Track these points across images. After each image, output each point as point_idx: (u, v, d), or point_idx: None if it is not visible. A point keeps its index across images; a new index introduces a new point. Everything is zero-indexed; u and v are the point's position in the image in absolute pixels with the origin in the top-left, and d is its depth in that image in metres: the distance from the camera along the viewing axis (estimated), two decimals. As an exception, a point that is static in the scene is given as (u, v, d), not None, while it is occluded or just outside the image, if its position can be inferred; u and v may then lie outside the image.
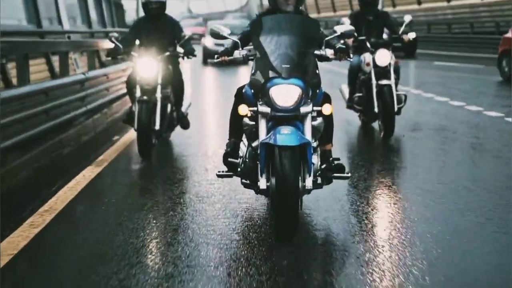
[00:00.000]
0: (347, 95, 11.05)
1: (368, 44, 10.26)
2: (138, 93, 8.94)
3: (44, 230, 5.87)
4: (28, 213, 6.34)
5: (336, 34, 6.05)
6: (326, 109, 5.59)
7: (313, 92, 5.67)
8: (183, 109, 10.05)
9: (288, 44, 5.61)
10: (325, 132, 5.88)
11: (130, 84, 9.36)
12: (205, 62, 27.87)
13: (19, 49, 9.81)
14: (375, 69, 10.16)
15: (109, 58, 9.63)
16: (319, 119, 5.72)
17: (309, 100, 5.57)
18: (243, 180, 6.06)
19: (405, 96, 10.47)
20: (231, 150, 6.19)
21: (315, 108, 5.57)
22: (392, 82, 10.12)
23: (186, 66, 25.53)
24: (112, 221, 6.16)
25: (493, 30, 29.17)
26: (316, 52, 5.84)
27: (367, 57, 10.30)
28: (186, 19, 58.35)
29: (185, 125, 10.06)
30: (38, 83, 9.85)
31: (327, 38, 6.03)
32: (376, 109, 10.14)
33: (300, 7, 6.18)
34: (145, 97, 8.85)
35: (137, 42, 9.66)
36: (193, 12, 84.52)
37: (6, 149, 7.72)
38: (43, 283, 4.83)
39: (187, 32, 9.70)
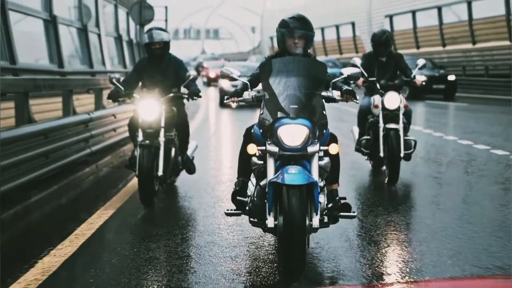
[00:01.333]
0: (356, 137, 10.87)
1: (378, 86, 10.01)
2: (140, 137, 8.58)
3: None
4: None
5: (342, 76, 6.28)
6: (333, 149, 5.74)
7: (320, 132, 5.79)
8: (189, 152, 9.75)
9: (296, 86, 5.76)
10: (331, 172, 6.02)
11: (132, 128, 8.99)
12: (222, 104, 27.24)
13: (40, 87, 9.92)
14: (383, 112, 9.89)
15: (110, 101, 9.17)
16: (326, 159, 5.88)
17: (316, 140, 5.71)
18: (251, 219, 6.11)
19: (415, 141, 10.14)
20: (240, 189, 6.29)
21: (322, 148, 5.71)
22: (400, 126, 9.83)
23: (203, 107, 26.24)
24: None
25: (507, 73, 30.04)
26: (323, 93, 5.99)
27: (376, 99, 10.09)
28: (209, 61, 59.11)
29: (191, 169, 9.66)
30: (39, 123, 9.50)
31: (334, 80, 6.15)
32: (381, 154, 9.90)
33: (309, 50, 6.29)
34: (147, 142, 8.50)
35: (140, 84, 9.35)
36: (215, 54, 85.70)
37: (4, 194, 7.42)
38: None
39: (194, 72, 9.28)
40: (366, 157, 10.82)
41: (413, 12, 38.75)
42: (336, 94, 6.14)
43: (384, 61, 10.30)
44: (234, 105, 6.42)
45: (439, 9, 36.06)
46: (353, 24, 47.90)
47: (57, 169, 9.32)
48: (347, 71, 6.32)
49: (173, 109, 9.00)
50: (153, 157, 8.45)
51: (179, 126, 9.24)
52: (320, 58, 38.60)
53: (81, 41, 17.12)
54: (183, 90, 9.12)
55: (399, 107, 9.85)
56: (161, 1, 29.99)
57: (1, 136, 7.60)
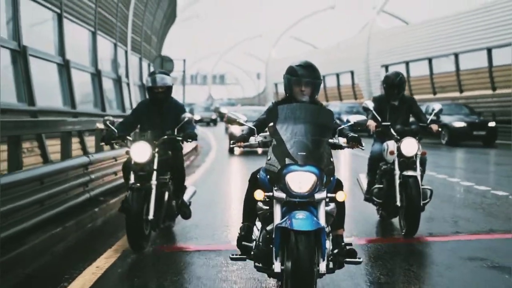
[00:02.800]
0: (365, 186, 10.16)
1: (392, 131, 9.36)
2: (131, 180, 8.38)
3: None
4: None
5: (349, 123, 6.27)
6: (340, 196, 5.67)
7: (327, 178, 5.74)
8: (186, 197, 9.43)
9: (303, 132, 5.73)
10: (337, 217, 5.96)
11: (126, 171, 8.73)
12: (231, 151, 24.74)
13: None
14: (399, 159, 9.17)
15: (103, 144, 8.96)
16: (332, 205, 5.80)
17: (323, 187, 5.65)
18: (256, 264, 6.01)
19: (431, 191, 9.41)
20: (245, 234, 6.23)
21: (329, 195, 5.64)
22: (418, 174, 9.09)
23: (212, 155, 24.59)
24: None
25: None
26: (330, 140, 5.94)
27: (390, 145, 9.36)
28: (227, 106, 60.14)
29: (186, 214, 9.31)
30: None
31: (340, 127, 6.19)
32: (398, 203, 9.10)
33: (316, 96, 6.28)
34: (138, 184, 8.26)
35: (138, 126, 9.20)
36: (232, 99, 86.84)
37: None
38: None
39: (189, 114, 9.08)
40: (377, 207, 10.11)
41: (407, 63, 41.44)
42: (342, 141, 6.15)
43: (396, 105, 9.70)
44: (238, 151, 7.00)
45: (430, 60, 38.91)
46: (352, 72, 50.27)
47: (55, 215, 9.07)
48: (353, 119, 6.30)
49: (168, 152, 8.85)
50: (143, 200, 8.16)
51: (174, 170, 9.03)
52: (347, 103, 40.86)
53: (115, 90, 20.02)
54: (178, 132, 8.88)
55: (416, 154, 9.20)
56: (174, 49, 32.71)
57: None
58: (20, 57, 11.68)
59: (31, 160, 11.12)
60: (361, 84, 49.00)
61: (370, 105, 9.45)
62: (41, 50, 12.98)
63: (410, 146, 9.17)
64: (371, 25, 48.77)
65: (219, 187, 15.09)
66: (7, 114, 10.32)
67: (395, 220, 9.69)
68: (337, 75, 52.90)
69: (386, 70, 43.92)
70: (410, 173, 9.07)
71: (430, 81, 38.90)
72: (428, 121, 9.48)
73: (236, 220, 9.63)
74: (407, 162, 9.15)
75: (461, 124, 29.18)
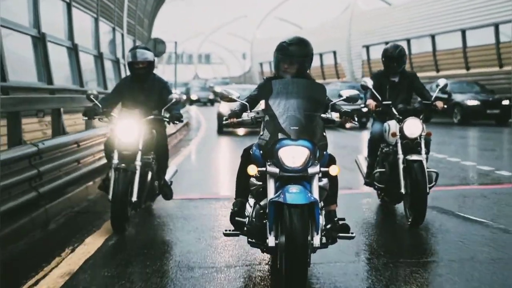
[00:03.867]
0: (365, 169, 9.56)
1: (394, 111, 8.63)
2: (115, 160, 8.03)
3: None
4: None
5: (341, 98, 6.15)
6: (333, 170, 5.67)
7: (320, 153, 5.73)
8: (167, 177, 9.24)
9: (296, 107, 5.69)
10: (330, 193, 5.95)
11: (108, 148, 8.40)
12: (219, 131, 24.88)
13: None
14: (402, 140, 8.44)
15: (86, 118, 8.61)
16: (325, 180, 5.81)
17: (316, 161, 5.64)
18: (250, 239, 6.04)
19: (437, 174, 8.66)
20: (238, 209, 6.18)
21: (322, 169, 5.62)
22: (423, 157, 8.34)
23: (200, 135, 24.51)
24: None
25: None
26: (322, 115, 5.89)
27: (392, 125, 8.68)
28: (221, 85, 59.15)
29: (168, 195, 9.15)
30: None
31: (332, 102, 6.12)
32: (402, 190, 8.40)
33: (308, 71, 6.24)
34: (122, 165, 7.96)
35: (120, 103, 8.98)
36: (226, 78, 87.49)
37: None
38: None
39: (176, 95, 8.70)
40: (379, 192, 9.51)
41: (386, 43, 43.30)
42: (335, 115, 6.05)
43: (396, 81, 8.99)
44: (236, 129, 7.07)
45: (408, 41, 40.82)
46: (334, 52, 51.84)
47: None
48: (346, 93, 6.15)
49: (153, 131, 8.56)
50: (128, 181, 7.90)
51: (158, 149, 8.78)
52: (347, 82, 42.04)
53: (114, 70, 21.68)
54: (165, 113, 8.74)
55: (420, 135, 8.46)
56: (160, 30, 34.00)
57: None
58: (40, 43, 13.32)
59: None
60: (343, 63, 50.79)
61: (369, 82, 8.65)
62: (55, 36, 14.62)
63: (413, 127, 8.44)
64: (353, 6, 50.45)
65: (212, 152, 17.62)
66: (30, 92, 11.82)
67: (399, 206, 9.03)
68: (320, 55, 54.34)
69: (367, 50, 45.91)
70: (414, 157, 8.31)
71: (409, 61, 40.72)
72: (433, 98, 8.68)
73: (224, 177, 12.23)
74: (410, 145, 8.42)
75: (475, 102, 28.65)
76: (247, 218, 6.12)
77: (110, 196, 7.95)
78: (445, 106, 8.81)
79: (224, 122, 6.32)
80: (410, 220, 8.34)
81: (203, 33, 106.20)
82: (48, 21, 14.09)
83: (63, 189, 9.59)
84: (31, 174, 8.47)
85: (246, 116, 6.11)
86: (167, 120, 8.60)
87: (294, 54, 6.06)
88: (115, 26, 22.08)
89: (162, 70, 63.14)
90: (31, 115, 11.79)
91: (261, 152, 5.81)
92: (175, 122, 8.68)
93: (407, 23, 40.85)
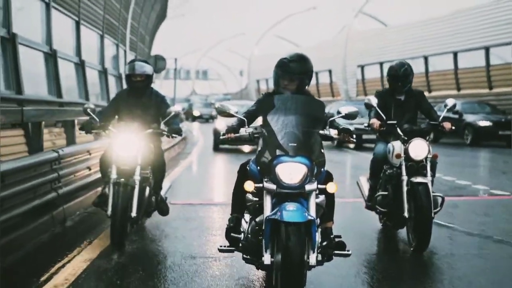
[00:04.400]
0: (366, 192, 9.16)
1: (399, 131, 8.28)
2: (113, 175, 7.95)
3: None
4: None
5: (340, 115, 6.12)
6: (331, 187, 5.66)
7: (318, 170, 5.70)
8: (162, 192, 9.11)
9: (294, 124, 5.67)
10: (327, 210, 5.91)
11: (104, 163, 8.33)
12: (215, 148, 24.19)
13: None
14: (406, 162, 8.10)
15: (83, 132, 8.53)
16: (322, 197, 5.75)
17: (314, 178, 5.62)
18: (245, 255, 6.02)
19: (442, 198, 8.25)
20: (234, 225, 6.19)
21: (319, 186, 5.61)
22: (428, 180, 7.97)
23: (194, 153, 23.90)
24: None
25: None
26: (321, 132, 5.84)
27: (397, 146, 8.28)
28: (222, 101, 60.59)
29: (164, 211, 9.05)
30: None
31: (331, 119, 6.05)
32: (406, 213, 8.03)
33: (307, 87, 6.17)
34: (122, 180, 7.86)
35: (116, 117, 8.81)
36: (227, 94, 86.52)
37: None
38: None
39: (177, 108, 8.65)
40: (381, 217, 9.02)
41: (381, 64, 44.29)
42: (333, 132, 5.99)
43: (402, 100, 8.62)
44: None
45: (402, 62, 41.84)
46: (330, 71, 52.77)
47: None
48: (345, 110, 6.14)
49: (150, 146, 8.40)
50: (128, 197, 7.84)
51: (155, 164, 8.64)
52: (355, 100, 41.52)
53: (117, 86, 22.59)
54: (163, 126, 8.69)
55: (426, 157, 8.12)
56: (158, 45, 34.75)
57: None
58: (51, 59, 14.26)
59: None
60: (338, 82, 51.72)
61: (373, 101, 8.34)
62: (63, 52, 15.54)
63: (419, 149, 8.11)
64: (349, 27, 51.49)
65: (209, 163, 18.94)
66: (42, 104, 12.69)
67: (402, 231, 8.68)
68: (316, 74, 55.08)
69: (362, 70, 46.94)
70: (419, 179, 7.96)
71: (402, 81, 41.73)
72: (440, 118, 8.39)
73: (219, 185, 13.16)
74: (416, 167, 8.09)
75: (487, 123, 27.89)
76: (243, 234, 6.11)
77: (109, 212, 7.86)
78: (453, 128, 8.43)
79: (221, 137, 6.23)
80: (413, 245, 7.99)
81: (201, 49, 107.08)
82: (58, 38, 15.01)
83: (77, 192, 10.35)
84: (52, 177, 9.27)
85: (243, 131, 6.01)
86: (166, 133, 8.46)
87: (294, 71, 6.02)
88: (118, 43, 23.04)
89: (160, 85, 63.84)
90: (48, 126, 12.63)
91: (258, 168, 5.78)
92: (174, 135, 8.54)
93: (401, 44, 41.89)
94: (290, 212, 5.34)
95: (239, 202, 6.15)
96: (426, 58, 38.97)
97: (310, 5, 71.36)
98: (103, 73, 20.27)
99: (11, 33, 11.56)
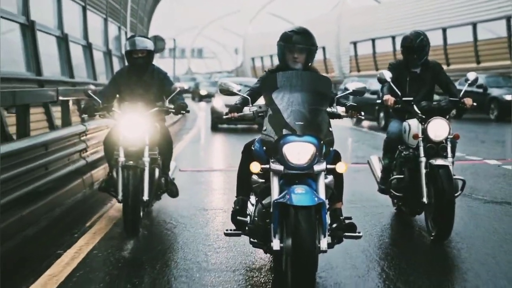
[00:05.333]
0: (379, 173, 8.47)
1: (416, 108, 7.56)
2: (121, 157, 7.58)
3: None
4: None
5: (347, 92, 5.90)
6: (340, 167, 5.40)
7: (326, 149, 5.43)
8: (169, 173, 8.69)
9: (300, 101, 5.40)
10: (335, 190, 5.67)
11: (109, 146, 8.02)
12: (213, 128, 23.62)
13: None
14: (425, 143, 7.40)
15: (85, 116, 8.04)
16: (330, 177, 5.49)
17: (322, 158, 5.35)
18: (252, 239, 5.81)
19: (463, 182, 7.48)
20: (240, 208, 6.00)
21: (328, 167, 5.36)
22: (449, 162, 7.28)
23: (195, 128, 24.81)
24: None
25: None
26: (328, 109, 5.62)
27: (414, 126, 7.60)
28: (224, 78, 59.48)
29: (174, 192, 8.64)
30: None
31: (338, 95, 5.86)
32: (425, 199, 7.33)
33: (310, 64, 5.92)
34: (130, 162, 7.48)
35: (117, 96, 8.42)
36: (229, 71, 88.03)
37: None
38: None
39: (181, 84, 8.22)
40: (395, 201, 8.43)
41: (373, 40, 45.64)
42: (340, 110, 5.77)
43: (418, 73, 7.92)
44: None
45: (393, 38, 42.98)
46: (323, 48, 53.23)
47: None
48: (352, 86, 5.89)
49: (156, 125, 8.04)
50: (138, 179, 7.46)
51: (162, 144, 8.25)
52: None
53: (119, 66, 23.75)
54: (168, 104, 8.04)
55: (447, 138, 7.41)
56: (154, 24, 35.56)
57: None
58: (63, 43, 15.43)
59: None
60: (332, 59, 52.89)
61: (387, 75, 7.65)
62: (72, 35, 16.74)
63: (439, 129, 7.38)
64: (341, 4, 52.62)
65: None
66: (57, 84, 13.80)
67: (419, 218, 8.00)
68: (310, 50, 56.20)
69: (355, 46, 48.12)
70: (439, 162, 7.22)
71: (394, 57, 42.90)
72: (461, 93, 7.66)
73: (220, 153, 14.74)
74: (435, 148, 7.36)
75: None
76: (249, 217, 5.94)
77: (120, 197, 7.60)
78: (475, 104, 7.67)
79: (224, 117, 5.99)
80: (433, 234, 7.25)
81: (196, 27, 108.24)
82: (69, 21, 16.19)
83: (101, 160, 11.34)
84: (81, 147, 10.63)
85: (247, 110, 5.82)
86: (173, 111, 8.00)
87: (302, 43, 5.82)
88: (120, 25, 24.19)
89: (156, 64, 64.80)
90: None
91: (264, 148, 5.49)
92: (182, 112, 8.05)
93: (392, 21, 43.05)
94: (299, 195, 5.10)
95: (245, 184, 5.94)
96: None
97: (303, -18, 72.52)
98: (108, 54, 21.40)
99: (30, 20, 12.51)
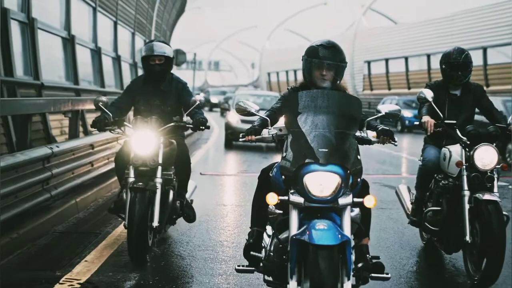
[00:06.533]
0: (409, 204, 7.83)
1: (459, 133, 6.82)
2: (131, 177, 6.88)
3: None
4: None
5: (380, 114, 5.34)
6: (369, 201, 4.73)
7: (353, 180, 4.80)
8: (187, 195, 7.93)
9: (326, 124, 4.82)
10: (363, 225, 5.13)
11: (120, 163, 7.30)
12: (227, 145, 21.88)
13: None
14: (469, 173, 6.64)
15: (94, 130, 7.46)
16: (356, 210, 4.96)
17: (348, 190, 4.74)
18: (266, 277, 5.23)
19: (507, 218, 6.55)
20: (254, 241, 5.46)
21: (355, 200, 4.73)
22: (497, 197, 6.47)
23: (212, 138, 25.27)
24: None
25: None
26: (357, 134, 5.05)
27: (456, 152, 6.88)
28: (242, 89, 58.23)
29: (190, 217, 7.81)
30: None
31: (369, 119, 5.27)
32: (467, 237, 6.48)
33: (338, 82, 5.34)
34: (140, 184, 6.72)
35: (132, 108, 7.73)
36: (246, 84, 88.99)
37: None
38: None
39: (200, 97, 7.55)
40: (424, 235, 7.75)
41: (386, 60, 47.00)
42: (371, 134, 5.20)
43: (458, 95, 7.24)
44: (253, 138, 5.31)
45: (406, 59, 44.45)
46: None
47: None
48: (385, 108, 5.36)
49: (172, 142, 7.28)
50: (147, 203, 6.67)
51: (178, 163, 7.47)
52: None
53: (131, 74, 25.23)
54: (186, 118, 7.41)
55: (495, 168, 6.66)
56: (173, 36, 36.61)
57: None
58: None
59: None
60: (346, 77, 53.88)
61: (428, 94, 6.87)
62: (107, 49, 18.17)
63: (487, 156, 6.60)
64: (357, 24, 53.97)
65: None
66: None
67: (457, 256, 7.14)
68: (326, 68, 57.62)
69: (368, 66, 49.44)
70: (488, 196, 6.39)
71: (406, 77, 44.31)
72: (509, 119, 6.94)
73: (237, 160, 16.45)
74: (481, 179, 6.58)
75: None
76: (264, 251, 5.37)
77: (126, 222, 6.83)
78: None
79: (240, 140, 5.39)
80: (476, 278, 6.42)
81: (214, 40, 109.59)
82: (102, 36, 17.64)
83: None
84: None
85: (266, 133, 5.28)
86: (191, 126, 7.23)
87: (331, 58, 5.25)
88: (145, 39, 25.69)
89: (186, 74, 66.31)
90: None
91: (283, 176, 4.89)
92: (201, 128, 7.23)
93: (406, 42, 44.41)
94: (321, 232, 4.51)
95: (261, 215, 5.42)
96: (428, 56, 41.43)
97: (321, 1, 73.85)
98: (133, 66, 22.93)
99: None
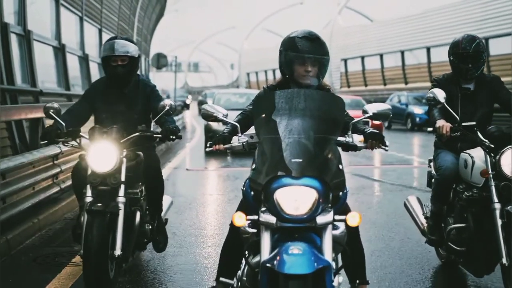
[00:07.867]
0: (422, 219, 6.72)
1: (480, 136, 5.71)
2: (88, 198, 5.79)
3: None
4: None
5: (367, 115, 4.49)
6: (353, 219, 3.88)
7: (335, 195, 4.01)
8: (163, 214, 6.86)
9: (301, 129, 3.99)
10: (354, 265, 4.46)
11: (77, 181, 6.20)
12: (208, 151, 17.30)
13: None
14: (497, 182, 5.58)
15: (44, 142, 6.17)
16: (341, 227, 4.11)
17: (329, 206, 3.94)
18: None
19: None
20: (225, 267, 4.68)
21: (337, 218, 3.91)
22: None
23: (197, 136, 25.98)
24: None
25: None
26: (340, 138, 4.30)
27: (478, 158, 5.84)
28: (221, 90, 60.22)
29: (160, 245, 6.80)
30: None
31: (354, 121, 4.51)
32: (504, 260, 5.34)
33: (321, 78, 4.60)
34: (98, 205, 5.58)
35: (92, 116, 6.54)
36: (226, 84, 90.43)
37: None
38: None
39: (169, 101, 6.20)
40: (440, 251, 6.71)
41: (362, 57, 48.13)
42: (357, 139, 4.42)
43: (471, 90, 6.25)
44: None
45: (381, 56, 45.56)
46: None
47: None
48: (372, 108, 4.51)
49: (138, 154, 6.20)
50: (105, 229, 5.54)
51: (147, 179, 6.44)
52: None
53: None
54: (155, 127, 6.50)
55: None
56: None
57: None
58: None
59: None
60: (324, 75, 55.24)
61: (440, 95, 5.84)
62: (92, 55, 19.10)
63: None
64: (333, 23, 55.07)
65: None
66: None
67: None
68: (303, 67, 58.69)
69: (345, 63, 50.54)
70: None
71: (381, 74, 45.46)
72: None
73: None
74: (510, 187, 5.54)
75: None
76: (236, 278, 4.64)
77: (81, 251, 5.66)
78: None
79: (207, 149, 4.72)
80: None
81: (193, 42, 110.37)
82: (89, 44, 18.56)
83: None
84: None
85: (236, 141, 4.54)
86: (160, 136, 6.15)
87: (315, 52, 4.51)
88: (128, 44, 26.73)
89: (152, 77, 67.28)
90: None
91: (252, 193, 4.12)
92: (172, 138, 6.13)
93: (381, 39, 45.54)
94: (294, 258, 3.73)
95: (233, 238, 4.60)
96: (402, 53, 42.57)
97: (297, 0, 74.91)
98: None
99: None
